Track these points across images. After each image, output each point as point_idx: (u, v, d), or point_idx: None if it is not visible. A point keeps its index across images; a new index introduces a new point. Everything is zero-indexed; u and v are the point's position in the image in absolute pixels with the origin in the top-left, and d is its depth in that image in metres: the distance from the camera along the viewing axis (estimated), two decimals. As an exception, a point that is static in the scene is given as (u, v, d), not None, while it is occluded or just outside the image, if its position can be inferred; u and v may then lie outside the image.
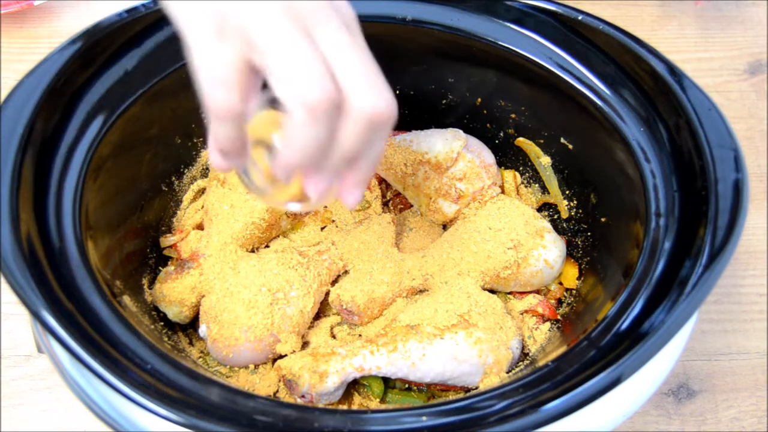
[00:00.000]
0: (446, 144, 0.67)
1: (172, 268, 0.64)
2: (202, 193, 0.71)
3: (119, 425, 0.45)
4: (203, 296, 0.63)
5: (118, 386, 0.43)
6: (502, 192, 0.72)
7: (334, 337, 0.65)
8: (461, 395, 0.58)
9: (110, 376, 0.43)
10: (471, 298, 0.61)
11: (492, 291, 0.65)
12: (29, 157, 0.50)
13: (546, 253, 0.64)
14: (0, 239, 0.46)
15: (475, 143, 0.70)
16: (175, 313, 0.63)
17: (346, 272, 0.65)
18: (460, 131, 0.70)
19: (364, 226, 0.66)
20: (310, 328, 0.64)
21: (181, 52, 0.59)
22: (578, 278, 0.67)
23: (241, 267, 0.62)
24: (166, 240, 0.68)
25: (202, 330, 0.62)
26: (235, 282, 0.61)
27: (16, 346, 0.70)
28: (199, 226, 0.69)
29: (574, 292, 0.66)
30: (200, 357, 0.63)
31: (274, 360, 0.62)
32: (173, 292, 0.62)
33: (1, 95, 0.53)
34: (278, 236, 0.69)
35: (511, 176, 0.73)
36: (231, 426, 0.43)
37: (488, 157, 0.70)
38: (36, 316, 0.45)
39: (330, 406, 0.58)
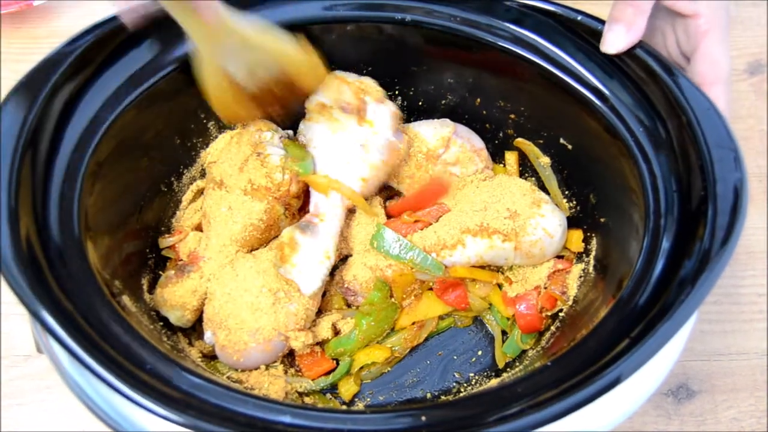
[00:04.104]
0: (436, 132, 0.68)
1: (173, 272, 0.64)
2: (201, 193, 0.71)
3: (119, 425, 0.45)
4: (205, 299, 0.63)
5: (117, 386, 0.43)
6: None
7: (337, 333, 0.65)
8: (461, 396, 0.59)
9: (110, 376, 0.43)
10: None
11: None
12: (29, 157, 0.50)
13: (544, 222, 0.64)
14: (0, 239, 0.46)
15: (463, 130, 0.71)
16: (177, 317, 0.63)
17: (347, 257, 0.66)
18: (447, 119, 0.70)
19: (357, 214, 0.67)
20: (311, 326, 0.64)
21: (180, 51, 0.60)
22: (583, 241, 0.67)
23: (238, 269, 0.62)
24: (165, 241, 0.68)
25: (208, 337, 0.62)
26: (235, 286, 0.61)
27: (16, 347, 0.70)
28: (198, 227, 0.69)
29: (575, 293, 0.66)
30: (200, 357, 0.63)
31: (284, 358, 0.62)
32: (174, 296, 0.62)
33: (1, 95, 0.53)
34: (276, 236, 0.69)
35: (513, 158, 0.73)
36: (230, 426, 0.43)
37: (477, 142, 0.71)
38: (35, 316, 0.45)
39: (330, 406, 0.58)
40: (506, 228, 0.63)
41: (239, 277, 0.61)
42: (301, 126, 0.67)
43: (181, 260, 0.66)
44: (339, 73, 0.66)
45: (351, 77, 0.65)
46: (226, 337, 0.60)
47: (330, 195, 0.64)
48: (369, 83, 0.66)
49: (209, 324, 0.61)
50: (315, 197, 0.64)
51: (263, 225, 0.65)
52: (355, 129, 0.64)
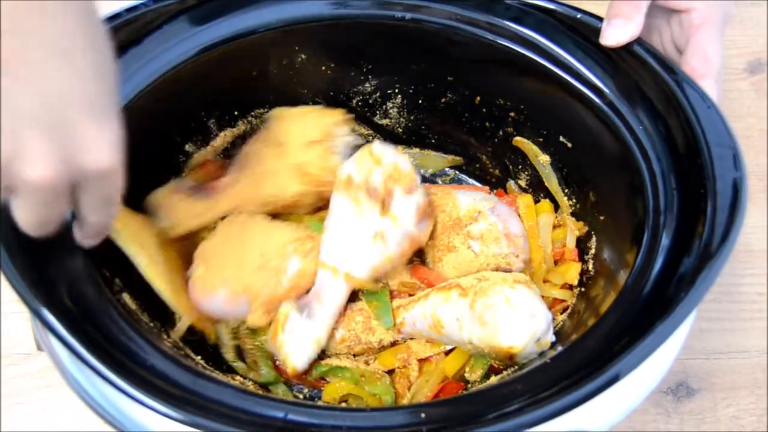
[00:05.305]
0: (472, 203, 0.65)
1: (186, 183, 0.63)
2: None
3: (119, 423, 0.46)
4: (200, 230, 0.62)
5: (118, 383, 0.43)
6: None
7: None
8: (460, 393, 0.59)
9: (110, 374, 0.43)
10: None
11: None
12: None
13: (510, 292, 0.56)
14: (-1, 237, 0.46)
15: (505, 210, 0.66)
16: (165, 224, 0.62)
17: None
18: (493, 196, 0.69)
19: None
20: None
21: (180, 50, 0.60)
22: (584, 239, 0.66)
23: (252, 224, 0.62)
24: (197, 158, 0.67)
25: (191, 270, 0.62)
26: (239, 233, 0.61)
27: (16, 345, 0.70)
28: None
29: (576, 291, 0.66)
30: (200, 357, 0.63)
31: None
32: (175, 206, 0.61)
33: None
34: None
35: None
36: (230, 423, 0.43)
37: (515, 227, 0.65)
38: (35, 313, 0.45)
39: (329, 404, 0.58)
40: (467, 283, 0.59)
41: (247, 231, 0.61)
42: (334, 193, 0.63)
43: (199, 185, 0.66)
44: (376, 150, 0.61)
45: (386, 157, 0.61)
46: (204, 272, 0.60)
47: (335, 281, 0.61)
48: (403, 168, 0.61)
49: (198, 257, 0.61)
50: (321, 278, 0.61)
51: (287, 202, 0.65)
52: (376, 218, 0.60)
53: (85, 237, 0.49)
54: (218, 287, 0.59)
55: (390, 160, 0.61)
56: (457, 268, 0.64)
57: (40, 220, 0.43)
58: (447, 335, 0.60)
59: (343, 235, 0.61)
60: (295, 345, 0.59)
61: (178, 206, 0.62)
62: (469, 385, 0.61)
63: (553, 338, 0.56)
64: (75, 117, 0.39)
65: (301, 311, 0.59)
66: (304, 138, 0.65)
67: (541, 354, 0.56)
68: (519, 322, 0.55)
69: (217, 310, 0.61)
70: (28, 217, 0.43)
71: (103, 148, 0.41)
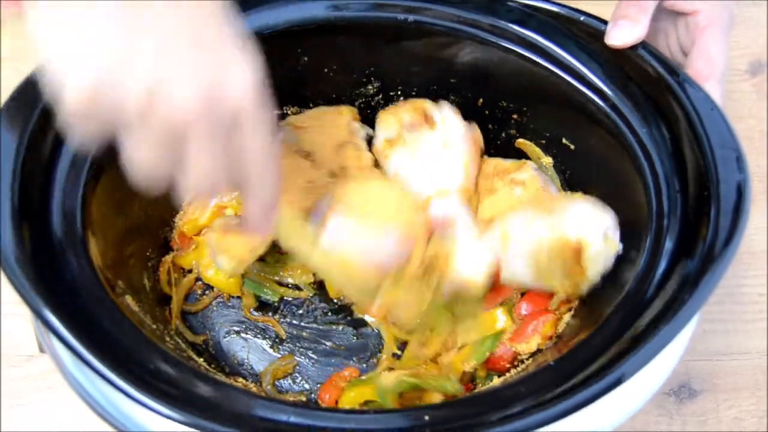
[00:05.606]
0: (517, 161, 0.68)
1: (235, 221, 0.63)
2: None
3: (122, 425, 0.46)
4: (256, 257, 0.62)
5: (120, 385, 0.43)
6: None
7: None
8: (464, 395, 0.59)
9: (113, 376, 0.43)
10: None
11: None
12: (32, 155, 0.50)
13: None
14: (1, 238, 0.46)
15: (545, 177, 0.69)
16: (225, 263, 0.61)
17: None
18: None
19: None
20: None
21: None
22: None
23: (363, 184, 0.62)
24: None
25: (332, 224, 0.57)
26: (356, 193, 0.59)
27: (17, 346, 0.70)
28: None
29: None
30: (203, 360, 0.63)
31: None
32: (230, 244, 0.60)
33: (1, 95, 0.53)
34: None
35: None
36: (232, 426, 0.43)
37: (553, 190, 0.68)
38: (38, 314, 0.45)
39: (333, 406, 0.58)
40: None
41: (364, 192, 0.60)
42: (383, 165, 0.66)
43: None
44: (387, 109, 0.67)
45: (399, 104, 0.67)
46: (360, 216, 0.58)
47: (445, 202, 0.63)
48: (418, 99, 0.66)
49: (340, 211, 0.58)
50: (435, 210, 0.62)
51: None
52: (430, 137, 0.64)
53: (254, 215, 0.47)
54: (384, 227, 0.58)
55: (403, 103, 0.67)
56: (494, 208, 0.65)
57: (203, 176, 0.41)
58: (513, 249, 0.60)
59: (418, 170, 0.64)
60: (468, 260, 0.60)
61: (231, 242, 0.60)
62: (475, 385, 0.61)
63: (620, 246, 0.57)
64: (218, 48, 0.39)
65: (443, 239, 0.60)
66: (331, 142, 0.65)
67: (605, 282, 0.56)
68: (587, 213, 0.57)
69: (381, 254, 0.58)
70: (197, 173, 0.41)
71: (244, 82, 0.39)
